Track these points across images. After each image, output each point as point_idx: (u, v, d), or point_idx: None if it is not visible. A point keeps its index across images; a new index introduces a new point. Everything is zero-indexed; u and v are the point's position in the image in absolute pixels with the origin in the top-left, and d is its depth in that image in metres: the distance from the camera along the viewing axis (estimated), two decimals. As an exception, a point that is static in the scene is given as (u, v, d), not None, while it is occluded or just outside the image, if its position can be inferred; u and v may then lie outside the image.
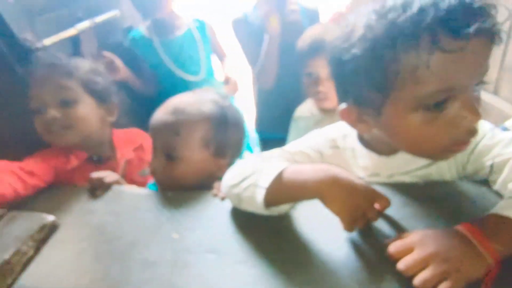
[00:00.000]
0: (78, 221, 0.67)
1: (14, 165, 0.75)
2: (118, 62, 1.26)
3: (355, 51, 0.46)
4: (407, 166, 0.60)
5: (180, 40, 1.37)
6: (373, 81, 0.47)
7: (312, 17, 1.35)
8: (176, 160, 0.72)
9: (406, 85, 0.45)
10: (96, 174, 0.78)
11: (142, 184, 0.92)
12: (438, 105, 0.45)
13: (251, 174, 0.55)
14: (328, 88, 1.02)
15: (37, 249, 0.54)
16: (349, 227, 0.47)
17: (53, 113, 0.83)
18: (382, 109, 0.49)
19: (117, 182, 0.80)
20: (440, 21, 0.41)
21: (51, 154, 0.86)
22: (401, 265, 0.42)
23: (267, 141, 1.47)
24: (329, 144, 0.67)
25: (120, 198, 0.73)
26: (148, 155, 0.98)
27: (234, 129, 0.77)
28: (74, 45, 1.20)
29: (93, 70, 0.93)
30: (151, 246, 0.58)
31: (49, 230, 0.57)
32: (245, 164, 0.61)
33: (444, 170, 0.60)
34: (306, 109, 1.18)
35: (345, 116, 0.56)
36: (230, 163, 0.76)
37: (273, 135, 1.36)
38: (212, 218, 0.62)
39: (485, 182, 0.58)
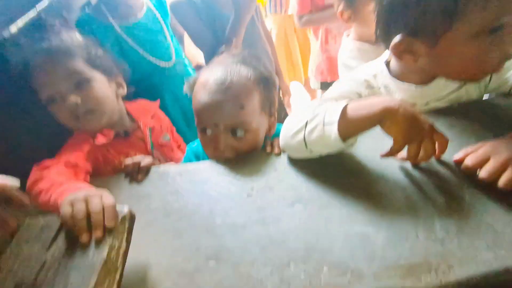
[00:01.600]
0: (140, 208, 0.66)
1: (59, 162, 0.73)
2: None
3: None
4: (441, 92, 0.67)
5: (144, 22, 1.20)
6: (443, 9, 0.52)
7: None
8: (244, 134, 0.71)
9: (475, 11, 0.50)
10: (130, 160, 0.76)
11: (167, 148, 0.99)
12: (494, 30, 0.52)
13: (314, 117, 0.59)
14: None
15: (127, 241, 0.54)
16: (398, 149, 0.53)
17: (74, 98, 0.80)
18: (441, 37, 0.55)
19: (153, 164, 0.78)
20: None
21: (79, 140, 0.83)
22: (483, 173, 0.49)
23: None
24: (364, 85, 0.72)
25: (168, 177, 0.72)
26: (163, 122, 1.05)
27: (271, 81, 0.77)
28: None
29: (90, 43, 0.88)
30: (232, 211, 0.61)
31: (130, 220, 0.56)
32: (298, 114, 0.64)
33: (472, 90, 0.68)
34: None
35: (395, 47, 0.60)
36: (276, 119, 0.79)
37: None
38: (278, 172, 0.65)
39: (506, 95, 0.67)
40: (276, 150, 0.69)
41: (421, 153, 0.54)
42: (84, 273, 0.48)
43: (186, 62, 1.37)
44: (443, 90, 0.67)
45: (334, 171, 0.62)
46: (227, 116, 0.69)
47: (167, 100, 1.26)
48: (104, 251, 0.50)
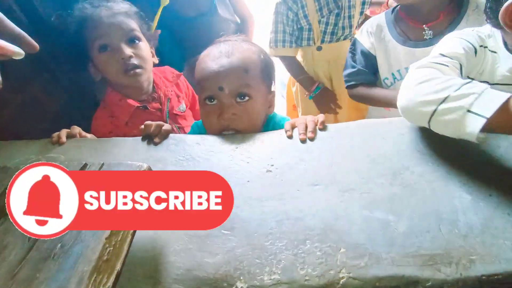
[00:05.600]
0: (155, 170, 0.66)
1: None
2: None
3: None
4: None
5: None
6: None
7: None
8: (248, 100, 0.72)
9: None
10: (152, 122, 0.75)
11: (180, 117, 1.03)
12: None
13: (459, 96, 0.51)
14: None
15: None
16: None
17: (128, 51, 0.87)
18: None
19: (171, 131, 0.77)
20: None
21: (101, 122, 0.93)
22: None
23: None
24: (479, 42, 0.68)
25: (185, 145, 0.71)
26: (182, 91, 1.08)
27: (270, 60, 0.79)
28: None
29: (138, 12, 0.95)
30: (249, 184, 0.60)
31: (149, 177, 0.55)
32: (434, 77, 0.56)
33: None
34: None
35: (505, 14, 0.55)
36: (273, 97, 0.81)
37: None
38: (300, 154, 0.64)
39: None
40: (310, 135, 0.67)
41: None
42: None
43: None
44: None
45: (357, 159, 0.61)
46: (233, 78, 0.70)
47: None
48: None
